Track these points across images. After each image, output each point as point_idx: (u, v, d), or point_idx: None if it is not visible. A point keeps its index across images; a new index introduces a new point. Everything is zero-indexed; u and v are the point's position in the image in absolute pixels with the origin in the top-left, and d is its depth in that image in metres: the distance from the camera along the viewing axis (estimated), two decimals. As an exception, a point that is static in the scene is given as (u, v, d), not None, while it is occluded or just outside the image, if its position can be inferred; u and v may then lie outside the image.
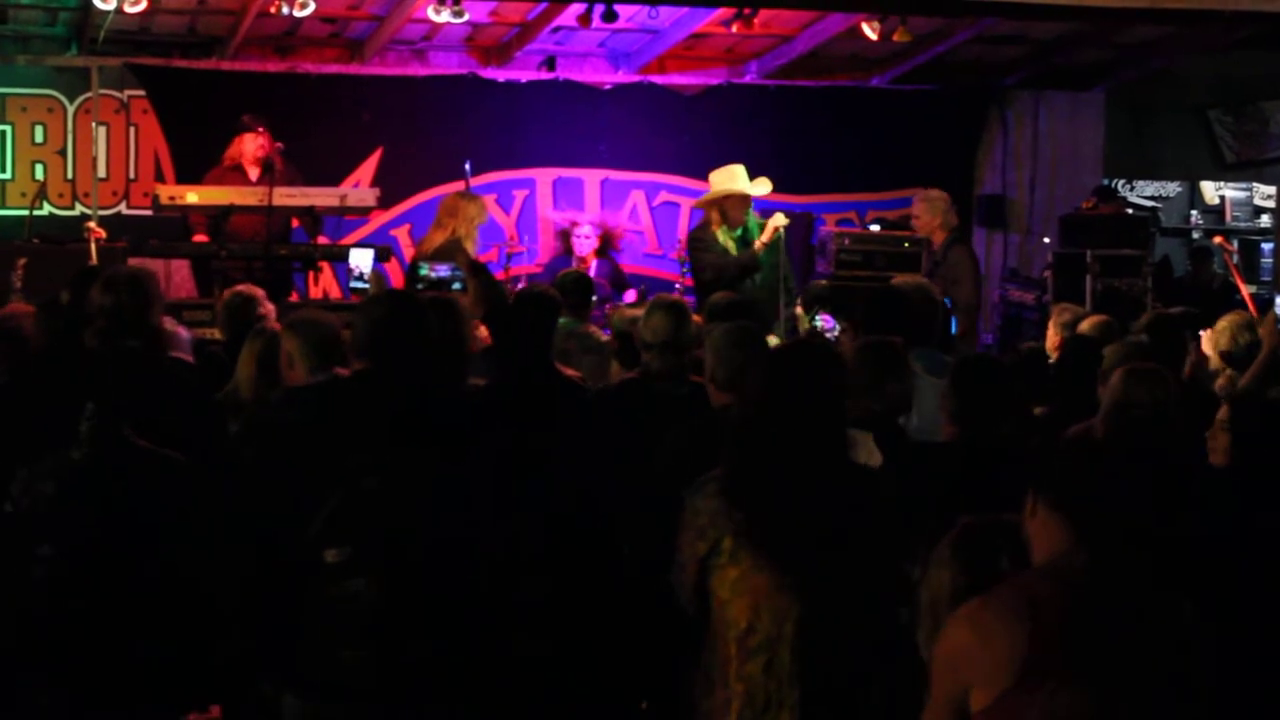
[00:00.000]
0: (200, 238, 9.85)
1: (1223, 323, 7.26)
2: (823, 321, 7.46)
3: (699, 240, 9.98)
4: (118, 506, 4.43)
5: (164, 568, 4.47)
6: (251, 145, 10.24)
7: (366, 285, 6.58)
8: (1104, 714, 2.96)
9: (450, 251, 8.72)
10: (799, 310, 8.35)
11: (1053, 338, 8.01)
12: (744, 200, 9.79)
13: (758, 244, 9.57)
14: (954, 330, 6.91)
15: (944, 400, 5.04)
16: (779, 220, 9.54)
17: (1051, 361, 7.77)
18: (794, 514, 3.95)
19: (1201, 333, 7.61)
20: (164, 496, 4.50)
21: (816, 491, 3.98)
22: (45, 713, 4.40)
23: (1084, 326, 7.44)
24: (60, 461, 4.42)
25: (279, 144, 10.09)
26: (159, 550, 4.47)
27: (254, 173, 10.18)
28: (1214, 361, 7.27)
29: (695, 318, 6.20)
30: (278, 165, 9.86)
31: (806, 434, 4.03)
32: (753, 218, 9.86)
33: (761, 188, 10.03)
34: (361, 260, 6.68)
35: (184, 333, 6.97)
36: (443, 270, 5.93)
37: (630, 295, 10.87)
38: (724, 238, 9.80)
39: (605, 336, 7.78)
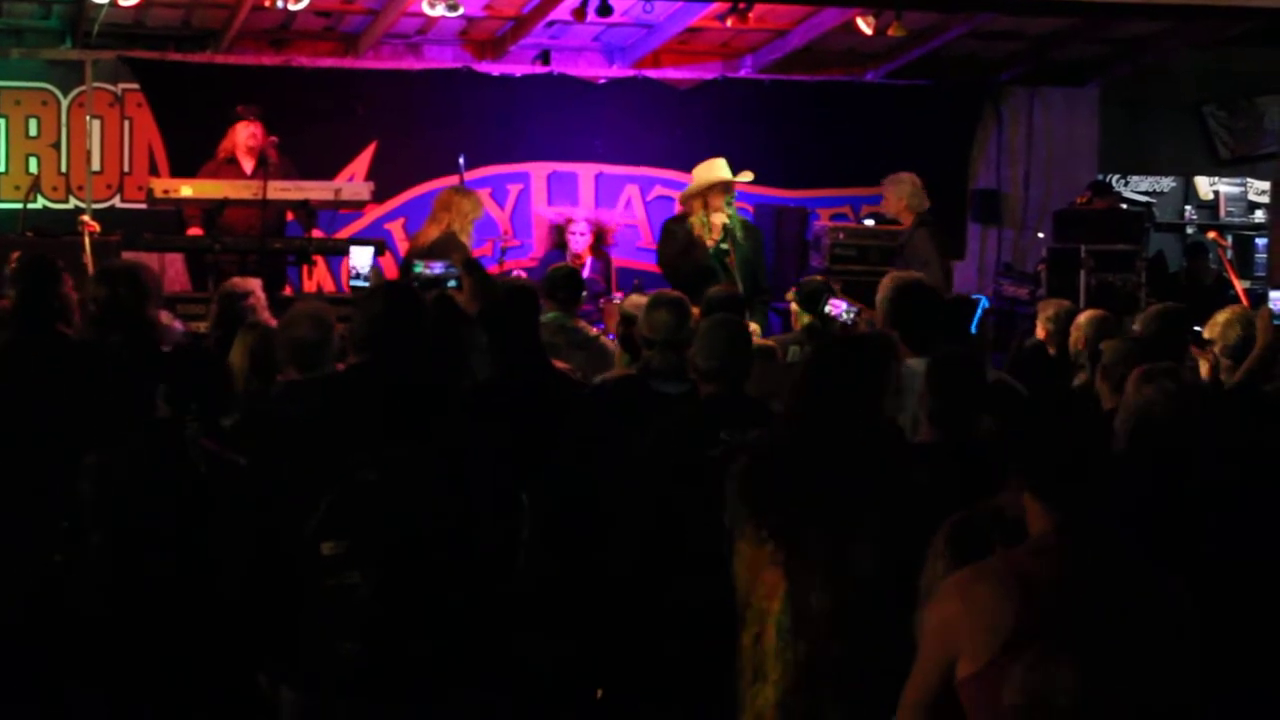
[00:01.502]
0: (195, 231, 9.82)
1: (1226, 315, 7.22)
2: (832, 308, 7.44)
3: (668, 231, 10.00)
4: (166, 502, 4.45)
5: (183, 562, 4.49)
6: (244, 135, 10.21)
7: (367, 284, 6.56)
8: (1088, 687, 2.98)
9: (445, 247, 8.71)
10: (794, 306, 8.33)
11: (1041, 334, 8.04)
12: (723, 189, 9.77)
13: (708, 240, 9.58)
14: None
15: (922, 400, 5.05)
16: (720, 218, 9.56)
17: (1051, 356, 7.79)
18: (794, 492, 4.00)
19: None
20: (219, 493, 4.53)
21: (826, 476, 4.01)
22: (78, 705, 4.41)
23: (1080, 320, 7.44)
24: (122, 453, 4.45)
25: (273, 137, 10.07)
26: (186, 545, 4.49)
27: (248, 165, 10.16)
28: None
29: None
30: (272, 158, 9.85)
31: (829, 423, 4.08)
32: (733, 215, 9.83)
33: (743, 176, 10.01)
34: (361, 259, 6.67)
35: (179, 326, 6.96)
36: (437, 268, 5.91)
37: (618, 297, 10.85)
38: (701, 231, 9.78)
39: (595, 331, 7.77)
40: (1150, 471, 4.56)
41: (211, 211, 9.69)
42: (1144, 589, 3.13)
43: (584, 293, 7.96)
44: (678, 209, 10.51)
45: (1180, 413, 4.84)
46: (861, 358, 4.27)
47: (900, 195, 10.42)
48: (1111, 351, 6.13)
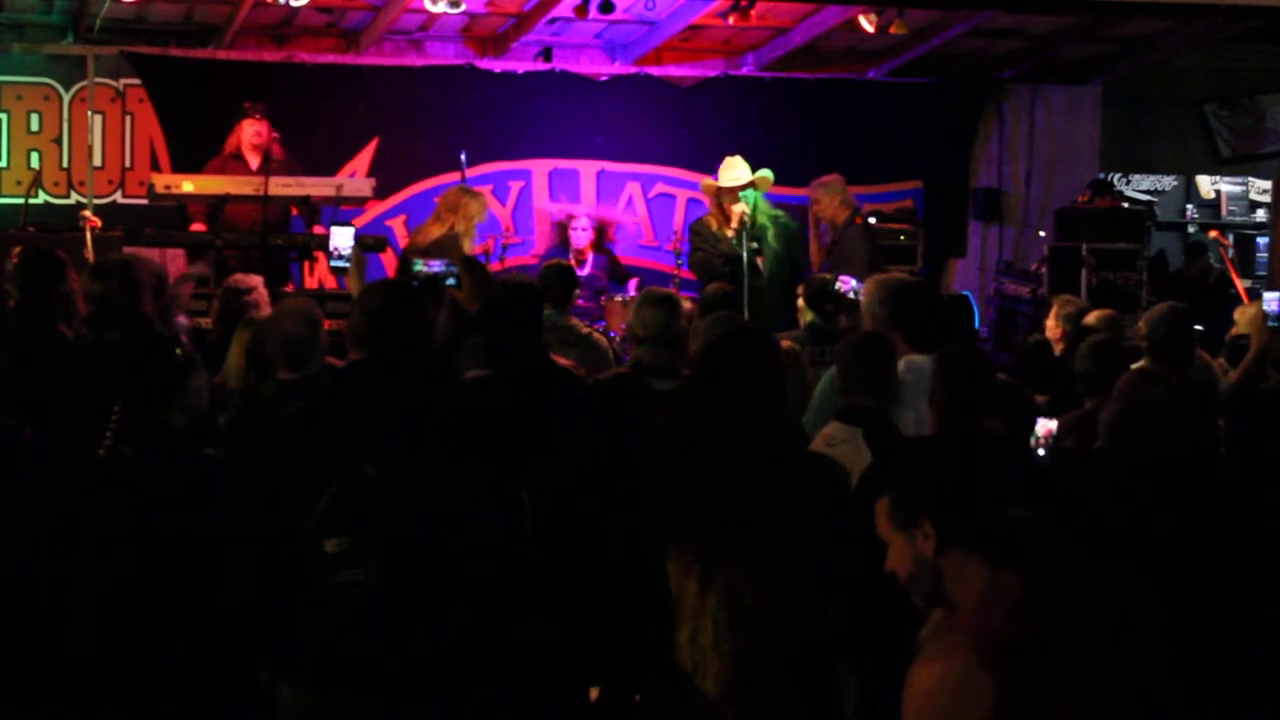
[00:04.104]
0: (198, 226, 9.81)
1: (1251, 310, 7.23)
2: (842, 284, 7.46)
3: (694, 234, 10.01)
4: (150, 501, 4.43)
5: (182, 560, 4.48)
6: (249, 131, 10.20)
7: (347, 264, 6.56)
8: None
9: (445, 246, 8.70)
10: (800, 303, 8.34)
11: (1054, 329, 7.99)
12: (729, 192, 9.77)
13: (729, 230, 9.57)
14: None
15: (931, 395, 5.05)
16: (740, 207, 9.52)
17: (1056, 354, 7.77)
18: (705, 496, 4.03)
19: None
20: (198, 492, 4.50)
21: (732, 477, 4.03)
22: (68, 704, 4.41)
23: (1090, 320, 7.44)
24: (91, 456, 4.43)
25: (276, 133, 10.07)
26: (180, 543, 4.47)
27: (254, 161, 10.14)
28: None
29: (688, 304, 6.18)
30: (276, 154, 9.85)
31: (727, 420, 4.10)
32: (762, 208, 9.80)
33: (758, 174, 9.96)
34: (341, 240, 6.63)
35: (183, 321, 6.96)
36: (436, 266, 5.90)
37: (633, 286, 10.87)
38: (720, 226, 9.79)
39: (587, 329, 7.79)
40: (1141, 472, 4.55)
41: (215, 207, 9.68)
42: (1109, 609, 3.08)
43: (577, 290, 7.94)
44: (688, 206, 10.49)
45: (1173, 412, 4.82)
46: (751, 352, 4.27)
47: (834, 194, 10.45)
48: (1083, 358, 6.16)
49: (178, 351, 4.73)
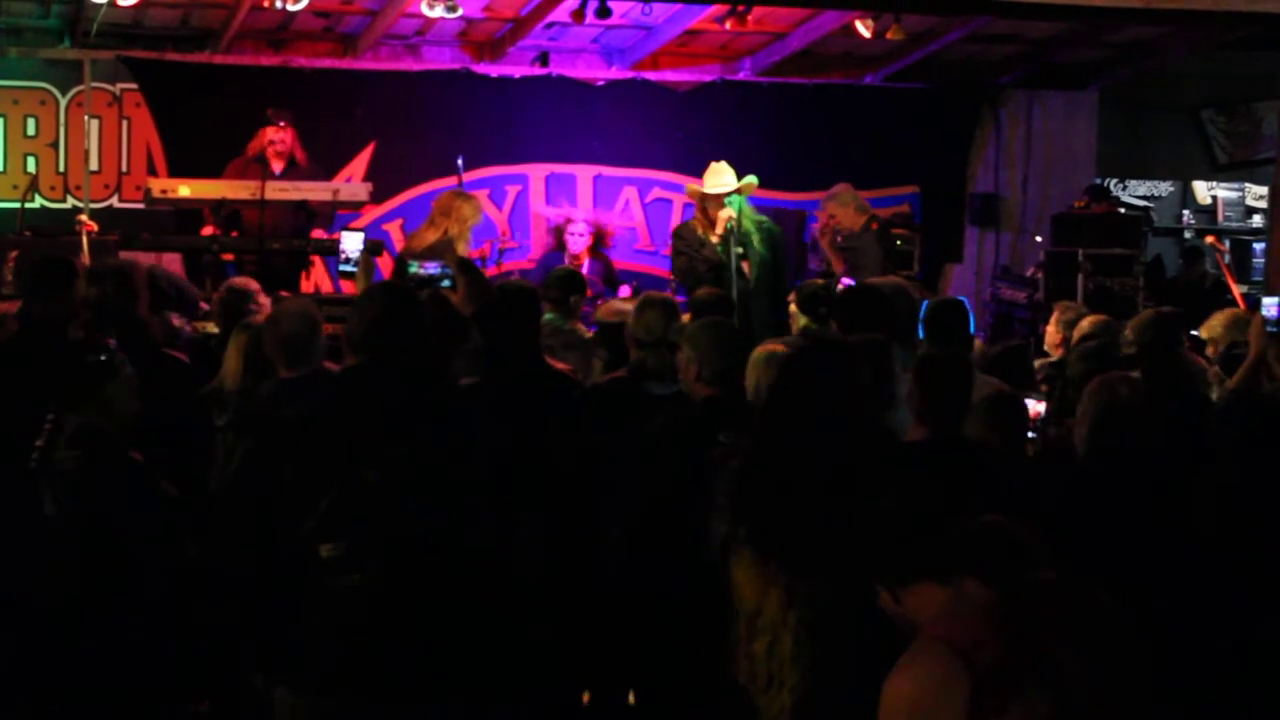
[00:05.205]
0: (209, 230, 9.73)
1: (1218, 320, 7.23)
2: (842, 285, 7.49)
3: (678, 238, 9.99)
4: (90, 507, 4.42)
5: (155, 563, 4.46)
6: (273, 138, 10.16)
7: (355, 269, 6.56)
8: None
9: (440, 250, 8.68)
10: (792, 309, 8.34)
11: (1054, 335, 7.96)
12: (715, 198, 9.76)
13: (713, 237, 9.56)
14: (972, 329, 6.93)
15: (910, 399, 5.05)
16: (726, 213, 9.50)
17: (1053, 360, 7.75)
18: (781, 508, 3.99)
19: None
20: (125, 495, 4.50)
21: (814, 487, 4.01)
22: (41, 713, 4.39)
23: (1084, 325, 7.43)
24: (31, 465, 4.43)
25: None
26: (146, 545, 4.46)
27: (278, 166, 10.10)
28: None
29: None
30: (300, 160, 9.81)
31: (808, 430, 4.07)
32: (747, 213, 9.78)
33: (744, 181, 9.93)
34: (350, 244, 6.61)
35: (186, 329, 6.96)
36: (432, 268, 5.90)
37: (624, 291, 10.85)
38: (704, 231, 9.77)
39: (590, 333, 7.76)
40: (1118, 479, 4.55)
41: (227, 214, 9.60)
42: (1084, 619, 3.09)
43: (578, 295, 7.93)
44: (684, 211, 10.46)
45: (1143, 418, 4.82)
46: (834, 360, 4.26)
47: (845, 204, 10.51)
48: (1074, 364, 6.14)
49: (102, 358, 4.72)
